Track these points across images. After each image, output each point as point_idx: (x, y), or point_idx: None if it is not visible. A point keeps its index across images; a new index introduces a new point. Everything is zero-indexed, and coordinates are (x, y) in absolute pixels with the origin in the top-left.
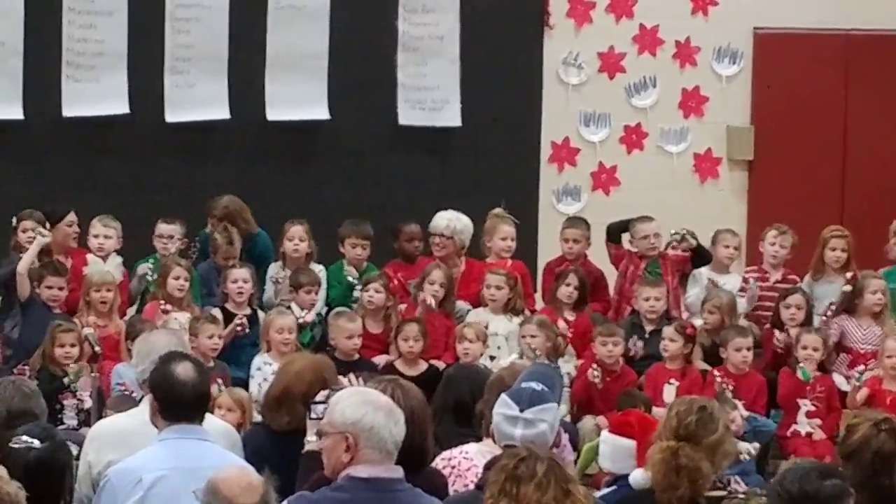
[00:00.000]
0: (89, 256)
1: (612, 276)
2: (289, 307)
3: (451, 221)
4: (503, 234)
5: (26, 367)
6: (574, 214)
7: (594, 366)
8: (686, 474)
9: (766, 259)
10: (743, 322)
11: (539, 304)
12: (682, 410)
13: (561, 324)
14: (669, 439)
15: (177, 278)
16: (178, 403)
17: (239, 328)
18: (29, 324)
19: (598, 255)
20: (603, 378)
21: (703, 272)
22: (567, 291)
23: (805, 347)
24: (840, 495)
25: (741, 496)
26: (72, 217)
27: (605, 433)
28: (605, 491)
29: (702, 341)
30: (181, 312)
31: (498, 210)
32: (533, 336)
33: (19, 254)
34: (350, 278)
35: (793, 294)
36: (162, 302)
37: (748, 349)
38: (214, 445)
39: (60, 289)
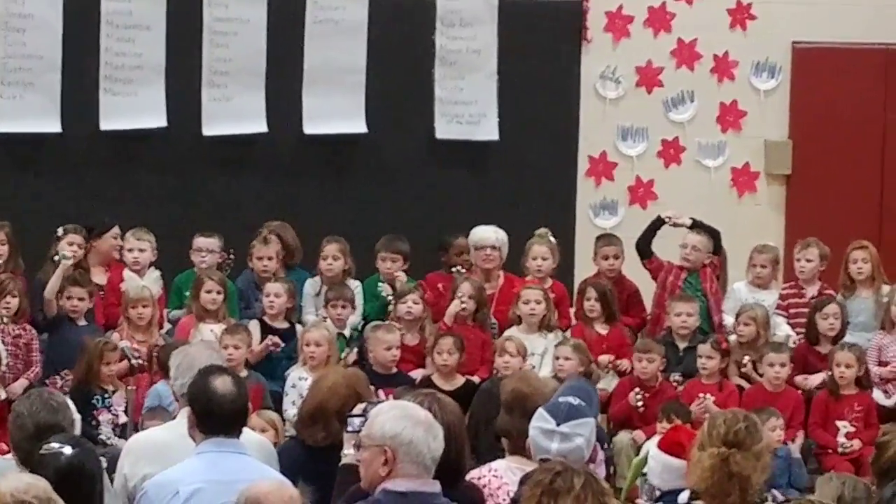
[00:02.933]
0: (126, 272)
1: (647, 289)
2: (324, 320)
3: (496, 233)
4: (535, 254)
5: (68, 375)
6: (611, 229)
7: (637, 389)
8: (737, 482)
9: (797, 274)
10: (780, 337)
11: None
12: (729, 418)
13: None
14: (718, 446)
15: (209, 291)
16: (216, 417)
17: (272, 348)
18: (57, 340)
19: (633, 270)
20: (642, 395)
21: (741, 287)
22: (588, 305)
23: (839, 365)
24: None
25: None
26: (116, 230)
27: (654, 449)
28: None
29: (736, 357)
30: (217, 325)
31: (541, 230)
32: (567, 359)
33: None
34: (384, 294)
35: (828, 304)
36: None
37: (782, 365)
38: (251, 459)
39: (81, 299)
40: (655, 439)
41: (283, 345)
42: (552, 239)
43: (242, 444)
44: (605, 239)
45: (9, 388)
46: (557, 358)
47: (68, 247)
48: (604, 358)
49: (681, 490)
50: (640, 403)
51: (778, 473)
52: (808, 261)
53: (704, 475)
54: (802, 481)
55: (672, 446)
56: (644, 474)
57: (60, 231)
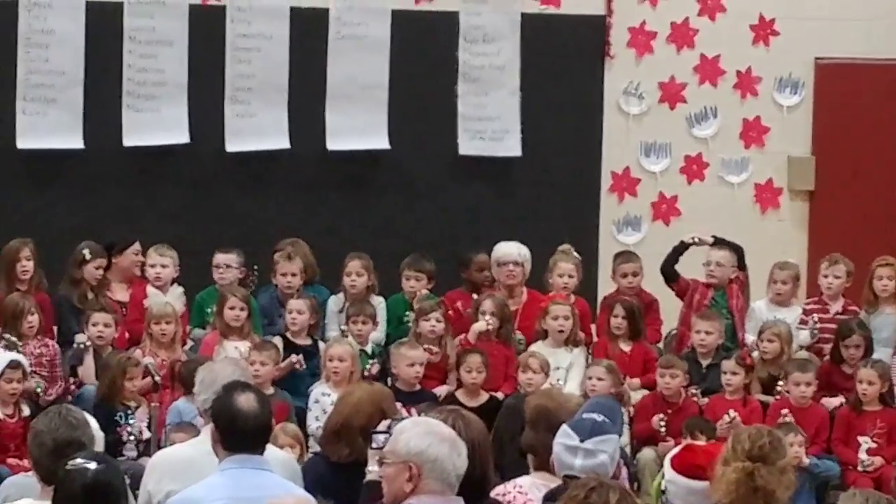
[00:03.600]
0: (149, 289)
1: (666, 302)
2: (346, 336)
3: (519, 249)
4: (561, 270)
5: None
6: (634, 245)
7: (661, 415)
8: (762, 496)
9: (823, 291)
10: (803, 354)
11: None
12: (754, 433)
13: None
14: (743, 461)
15: (232, 308)
16: (240, 434)
17: (297, 366)
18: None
19: (652, 284)
20: (664, 409)
21: (761, 306)
22: (616, 322)
23: (861, 382)
24: None
25: None
26: (137, 246)
27: (671, 472)
28: None
29: (759, 374)
30: (241, 342)
31: (564, 246)
32: (600, 379)
33: (78, 288)
34: (410, 323)
35: (851, 335)
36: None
37: (807, 384)
38: (275, 476)
39: (107, 325)
40: (668, 458)
41: (304, 364)
42: (576, 255)
43: (266, 460)
44: (624, 256)
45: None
46: (590, 378)
47: (94, 269)
48: (634, 382)
49: None
50: (662, 427)
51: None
52: (836, 277)
53: (730, 489)
54: None
55: (691, 468)
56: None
57: (87, 254)
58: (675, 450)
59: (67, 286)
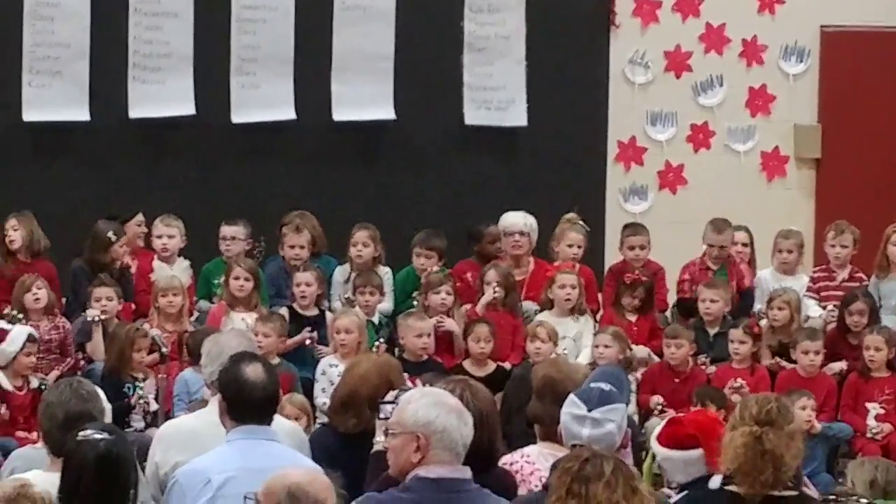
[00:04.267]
0: (155, 263)
1: (671, 272)
2: (353, 306)
3: (525, 219)
4: (570, 240)
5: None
6: (640, 214)
7: (658, 398)
8: (770, 460)
9: (830, 260)
10: (814, 323)
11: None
12: (762, 399)
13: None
14: (750, 425)
15: (237, 278)
16: (247, 404)
17: (308, 342)
18: None
19: (658, 252)
20: (672, 378)
21: (766, 276)
22: (632, 302)
23: (868, 348)
24: None
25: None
26: (140, 217)
27: (662, 451)
28: (676, 498)
29: (769, 342)
30: (248, 313)
31: (570, 215)
32: (607, 346)
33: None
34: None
35: (854, 302)
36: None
37: (816, 353)
38: (283, 446)
39: (109, 299)
40: (653, 437)
41: (316, 337)
42: (582, 224)
43: (274, 431)
44: (632, 228)
45: (48, 377)
46: (597, 346)
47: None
48: (641, 349)
49: (703, 477)
50: (659, 408)
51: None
52: (844, 246)
53: (738, 453)
54: None
55: (681, 440)
56: (657, 474)
57: (112, 236)
58: (659, 427)
59: (87, 263)
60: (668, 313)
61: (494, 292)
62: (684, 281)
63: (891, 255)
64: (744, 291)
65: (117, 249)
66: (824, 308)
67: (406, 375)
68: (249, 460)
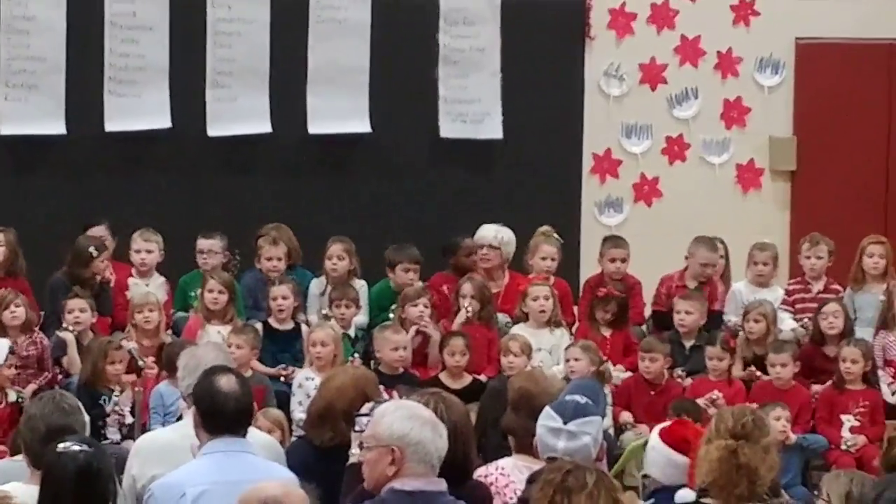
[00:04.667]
0: (130, 280)
1: (648, 286)
2: (329, 320)
3: (497, 233)
4: (544, 253)
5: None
6: (616, 226)
7: (626, 415)
8: (745, 474)
9: (805, 272)
10: (787, 335)
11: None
12: (737, 412)
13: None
14: (726, 438)
15: (211, 291)
16: (221, 416)
17: (283, 377)
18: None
19: (634, 266)
20: (647, 391)
21: (741, 288)
22: (603, 316)
23: (844, 360)
24: None
25: None
26: (102, 229)
27: (656, 440)
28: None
29: (744, 354)
30: (223, 326)
31: (545, 228)
32: (577, 359)
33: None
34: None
35: (827, 303)
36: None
37: (782, 365)
38: (258, 458)
39: (82, 310)
40: (658, 428)
41: (292, 373)
42: (557, 237)
43: (249, 443)
44: (613, 241)
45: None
46: (568, 360)
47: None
48: (618, 367)
49: (679, 486)
50: (629, 426)
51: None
52: (819, 258)
53: (713, 467)
54: None
55: (678, 442)
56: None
57: (94, 252)
58: (666, 423)
59: (68, 277)
60: (643, 327)
61: (467, 309)
62: (661, 294)
63: (866, 267)
64: (713, 314)
65: (98, 264)
66: (798, 321)
67: (382, 388)
68: (225, 473)
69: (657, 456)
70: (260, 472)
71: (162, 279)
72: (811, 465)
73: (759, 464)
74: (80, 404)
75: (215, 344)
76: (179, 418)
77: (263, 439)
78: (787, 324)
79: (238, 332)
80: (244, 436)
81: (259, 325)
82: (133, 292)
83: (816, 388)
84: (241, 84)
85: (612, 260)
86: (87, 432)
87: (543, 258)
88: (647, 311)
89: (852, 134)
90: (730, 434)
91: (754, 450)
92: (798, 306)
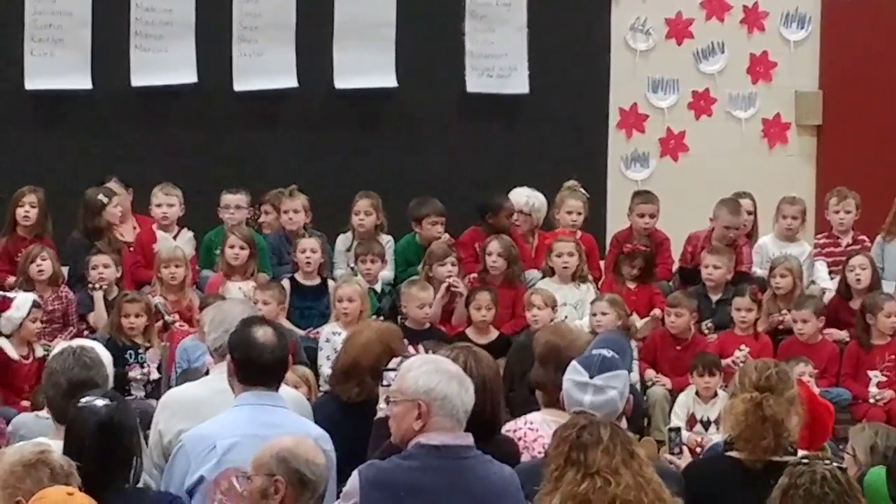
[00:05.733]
0: (158, 233)
1: (677, 241)
2: (355, 275)
3: (529, 198)
4: (569, 207)
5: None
6: (642, 181)
7: (651, 373)
8: (771, 426)
9: (834, 226)
10: (815, 290)
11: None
12: (760, 365)
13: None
14: (750, 391)
15: (232, 247)
16: (257, 367)
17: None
18: None
19: (663, 221)
20: (673, 346)
21: (767, 242)
22: (630, 271)
23: (872, 313)
24: None
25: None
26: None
27: None
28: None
29: (770, 310)
30: (244, 282)
31: (571, 182)
32: (604, 314)
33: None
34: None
35: (854, 256)
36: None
37: (804, 321)
38: (290, 413)
39: (106, 266)
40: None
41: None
42: (583, 191)
43: (282, 397)
44: (643, 196)
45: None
46: (594, 314)
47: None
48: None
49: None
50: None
51: None
52: (847, 212)
53: (739, 420)
54: None
55: None
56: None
57: (104, 199)
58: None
59: (84, 232)
60: (670, 283)
61: (493, 263)
62: (687, 252)
63: None
64: (739, 274)
65: (111, 211)
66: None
67: (408, 343)
68: (255, 427)
69: None
70: (291, 426)
71: (190, 234)
72: (836, 420)
73: (785, 416)
74: (102, 358)
75: (242, 299)
76: (207, 373)
77: (292, 395)
78: (822, 275)
79: (264, 289)
80: (277, 389)
81: (286, 282)
82: (161, 246)
83: (837, 334)
84: (268, 39)
85: (642, 215)
86: (110, 385)
87: (569, 212)
88: (674, 267)
89: (878, 88)
90: (754, 387)
91: (779, 402)
92: (828, 260)
